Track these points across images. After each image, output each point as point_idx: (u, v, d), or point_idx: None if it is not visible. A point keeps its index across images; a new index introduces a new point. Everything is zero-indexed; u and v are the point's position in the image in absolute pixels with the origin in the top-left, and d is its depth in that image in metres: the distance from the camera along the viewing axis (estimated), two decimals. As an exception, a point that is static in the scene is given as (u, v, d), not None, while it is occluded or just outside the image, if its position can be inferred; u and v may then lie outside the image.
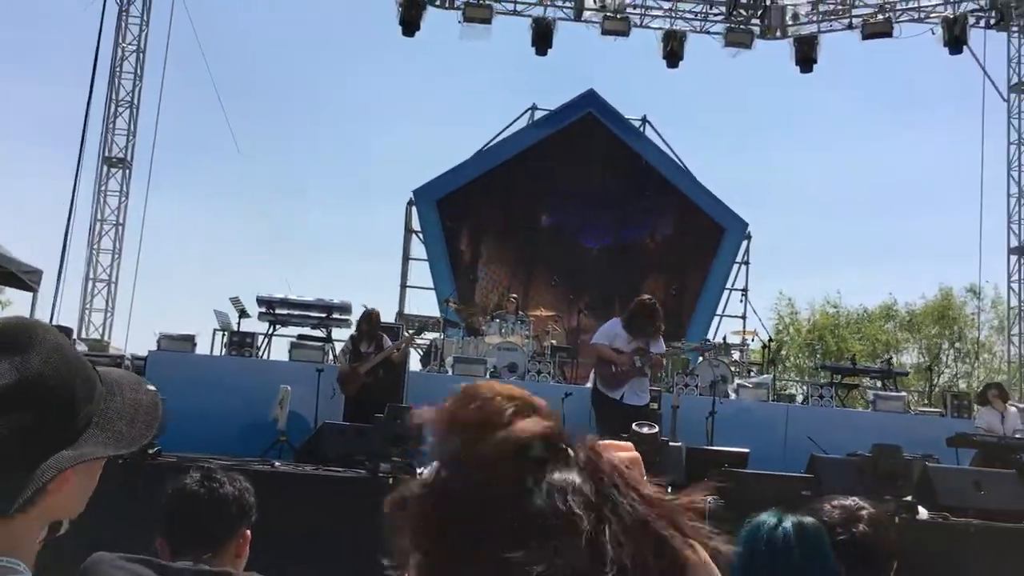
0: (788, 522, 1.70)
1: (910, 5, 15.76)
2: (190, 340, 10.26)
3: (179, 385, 8.84)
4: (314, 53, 43.72)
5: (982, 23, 15.66)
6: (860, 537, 2.19)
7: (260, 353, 10.84)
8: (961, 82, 27.21)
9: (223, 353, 10.67)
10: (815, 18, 16.11)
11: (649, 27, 16.28)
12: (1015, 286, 16.23)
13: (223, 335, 10.93)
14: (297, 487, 6.09)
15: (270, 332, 11.33)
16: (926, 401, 15.11)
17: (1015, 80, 16.30)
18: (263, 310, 11.16)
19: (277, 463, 7.04)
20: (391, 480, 6.03)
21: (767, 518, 1.72)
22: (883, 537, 2.25)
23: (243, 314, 11.18)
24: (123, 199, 15.39)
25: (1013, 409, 9.95)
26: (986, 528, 6.52)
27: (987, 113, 16.34)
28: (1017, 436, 9.57)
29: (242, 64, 39.32)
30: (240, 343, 10.44)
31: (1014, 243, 16.20)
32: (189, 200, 38.41)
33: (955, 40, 14.89)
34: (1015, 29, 16.12)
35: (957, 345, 31.76)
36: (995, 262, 16.77)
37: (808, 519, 1.75)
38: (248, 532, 2.37)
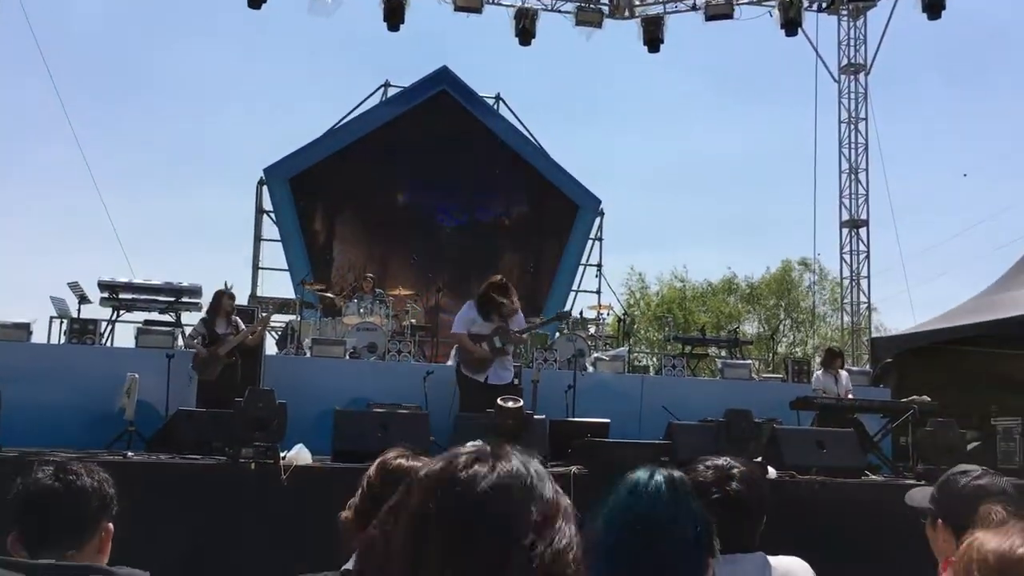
0: (659, 474, 1.78)
1: (749, -12, 16.43)
2: (25, 328, 9.65)
3: (15, 376, 8.29)
4: (151, 27, 41.59)
5: (815, 6, 16.49)
6: (733, 494, 2.27)
7: (103, 340, 10.30)
8: (797, 63, 28.65)
9: (62, 341, 10.08)
10: (661, -1, 16.57)
11: (501, 4, 16.33)
12: (847, 257, 17.28)
13: (61, 322, 10.32)
14: (154, 476, 5.83)
15: (114, 318, 10.78)
16: (768, 368, 15.88)
17: (844, 62, 17.28)
18: (105, 295, 10.61)
19: (129, 453, 6.71)
20: (253, 465, 5.87)
21: (640, 473, 1.80)
22: (755, 494, 2.35)
23: (83, 300, 10.60)
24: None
25: (845, 373, 10.61)
26: (829, 484, 6.93)
27: (820, 94, 17.28)
28: (851, 398, 10.21)
29: (72, 38, 36.97)
30: (81, 330, 9.89)
31: (845, 217, 17.23)
32: (20, 185, 36.01)
33: (791, 22, 15.63)
34: (844, 13, 17.07)
35: (794, 315, 33.61)
36: (830, 235, 17.80)
37: (676, 471, 1.84)
38: (110, 525, 2.25)
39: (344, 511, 2.28)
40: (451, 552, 0.98)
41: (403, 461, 2.28)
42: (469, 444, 1.10)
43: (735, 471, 2.38)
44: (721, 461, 2.43)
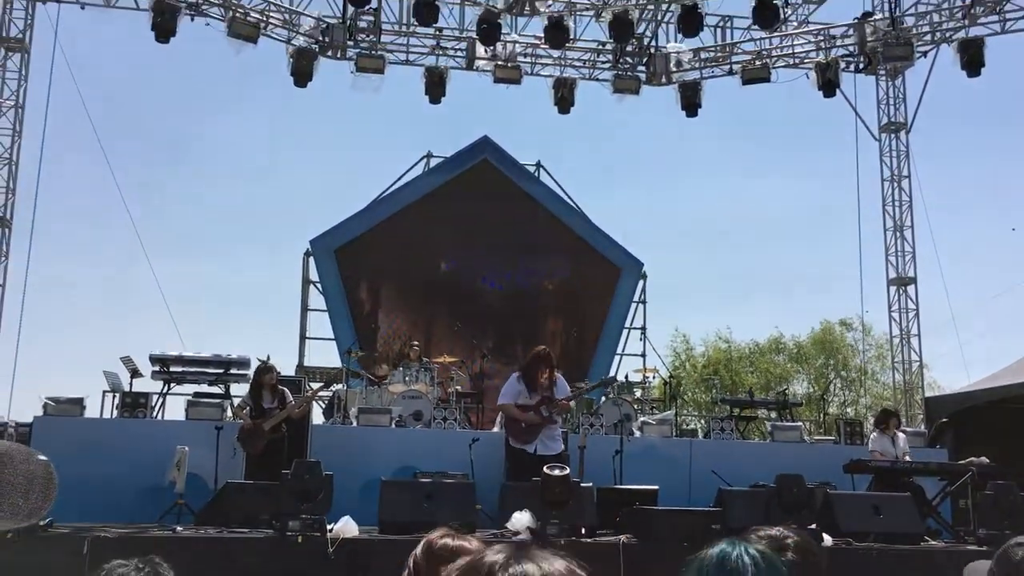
0: (744, 553, 1.70)
1: (785, 52, 16.52)
2: (78, 403, 9.83)
3: (68, 451, 8.46)
4: (202, 106, 42.97)
5: (852, 67, 16.52)
6: (788, 565, 2.23)
7: (154, 413, 10.45)
8: (836, 123, 28.67)
9: (114, 415, 10.24)
10: (697, 65, 16.70)
11: (540, 75, 16.60)
12: (895, 315, 17.01)
13: (114, 396, 10.49)
14: (203, 551, 5.86)
15: (164, 391, 10.94)
16: (820, 429, 15.59)
17: (884, 120, 17.23)
18: (156, 368, 10.78)
19: (179, 528, 6.76)
20: (300, 538, 5.87)
21: (727, 547, 1.72)
22: (811, 564, 2.30)
23: (135, 373, 10.77)
24: (2, 259, 14.69)
25: (902, 434, 10.36)
26: (886, 551, 6.75)
27: (860, 152, 17.22)
28: (908, 460, 9.96)
29: (126, 116, 38.27)
30: (133, 404, 10.05)
31: (892, 275, 17.01)
32: (72, 259, 37.00)
33: (828, 84, 15.65)
34: (882, 73, 17.07)
35: (843, 374, 33.05)
36: (877, 293, 17.55)
37: (765, 549, 1.76)
38: None
39: None
40: None
41: (449, 541, 2.27)
42: (498, 546, 1.12)
43: (789, 541, 2.34)
44: (775, 531, 2.38)
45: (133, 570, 2.17)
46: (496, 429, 10.54)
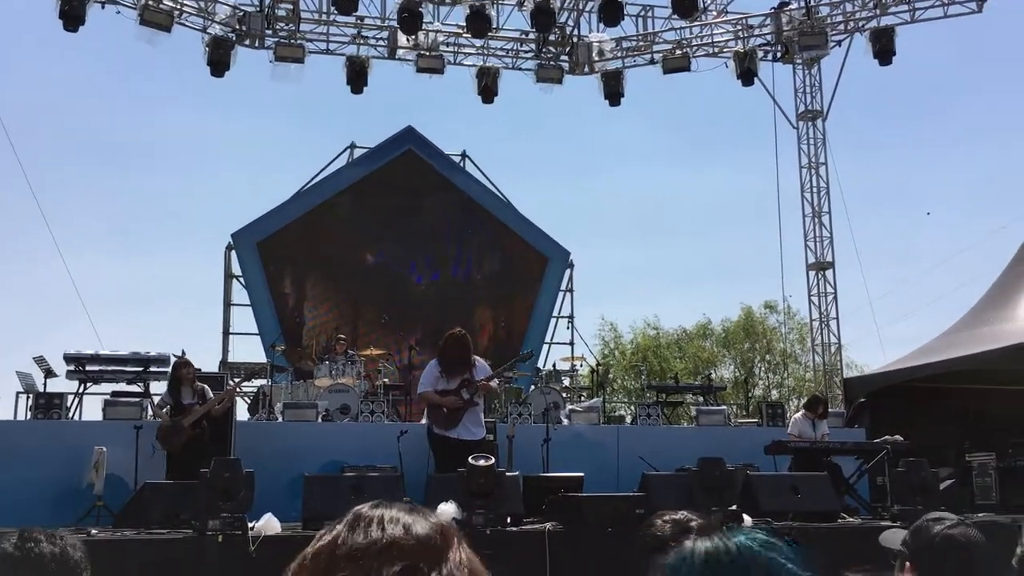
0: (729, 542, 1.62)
1: (705, 41, 16.77)
2: (-11, 405, 9.50)
3: (-21, 455, 8.17)
4: (114, 98, 41.72)
5: (770, 56, 16.86)
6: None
7: (70, 414, 10.15)
8: (756, 112, 29.21)
9: (28, 417, 9.92)
10: (619, 54, 16.85)
11: (463, 64, 16.55)
12: (815, 299, 17.44)
13: (28, 397, 10.16)
14: (118, 555, 5.71)
15: (81, 391, 10.64)
16: (744, 412, 15.94)
17: (802, 108, 17.62)
18: (72, 368, 10.48)
19: (94, 531, 6.57)
20: (220, 537, 5.76)
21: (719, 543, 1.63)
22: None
23: (49, 373, 10.45)
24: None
25: (824, 421, 10.61)
26: (803, 529, 6.91)
27: (780, 140, 17.58)
28: (825, 440, 10.23)
29: (29, 105, 36.94)
30: (47, 405, 9.76)
31: (811, 260, 17.43)
32: (-17, 255, 35.66)
33: (747, 73, 15.95)
34: (799, 62, 17.44)
35: (768, 357, 33.78)
36: (797, 278, 17.96)
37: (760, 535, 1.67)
38: None
39: None
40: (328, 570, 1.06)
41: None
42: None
43: (693, 524, 2.37)
44: (679, 515, 2.42)
45: (14, 548, 2.12)
46: (424, 421, 10.50)
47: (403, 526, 1.09)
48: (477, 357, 8.47)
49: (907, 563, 2.45)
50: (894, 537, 2.61)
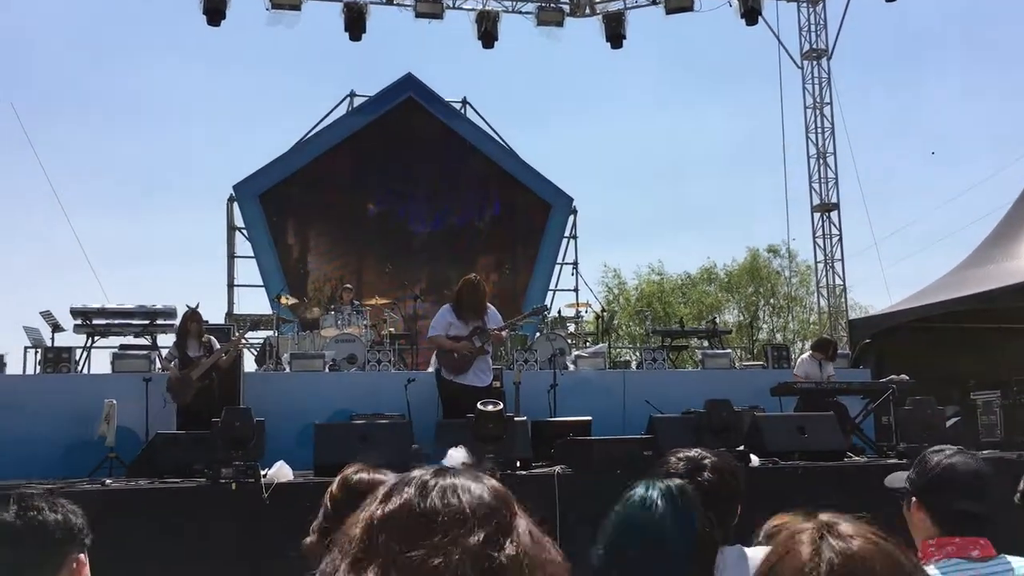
0: (655, 489, 1.75)
1: (708, -21, 16.48)
2: (-1, 360, 9.55)
3: (-9, 409, 8.23)
4: (108, 48, 41.28)
5: (774, -6, 16.60)
6: (706, 484, 2.28)
7: (79, 368, 10.21)
8: (760, 53, 28.84)
9: (37, 371, 9.98)
10: (621, -5, 16.60)
11: (462, 8, 16.31)
12: (820, 241, 17.39)
13: (36, 352, 10.21)
14: (134, 503, 5.77)
15: (89, 345, 10.68)
16: (749, 356, 15.98)
17: (806, 47, 17.40)
18: (79, 322, 10.51)
19: (108, 481, 6.64)
20: (233, 485, 5.82)
21: (638, 489, 1.76)
22: (727, 482, 2.35)
23: (57, 328, 10.49)
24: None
25: (831, 362, 10.61)
26: (810, 469, 6.97)
27: (784, 80, 17.39)
28: (831, 380, 10.25)
29: (30, 63, 36.61)
30: (56, 359, 9.80)
31: (816, 201, 17.34)
32: (-16, 211, 35.60)
33: (751, 12, 15.71)
34: (803, -1, 17.18)
35: (772, 301, 33.80)
36: (802, 220, 17.89)
37: (675, 482, 1.80)
38: (82, 557, 2.21)
39: (308, 536, 2.25)
40: (398, 552, 1.02)
41: (364, 475, 2.26)
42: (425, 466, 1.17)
43: (707, 461, 2.39)
44: (693, 452, 2.43)
45: (15, 517, 2.11)
46: (431, 369, 10.54)
47: (474, 494, 1.08)
48: (489, 305, 8.46)
49: (912, 499, 2.46)
50: (899, 478, 2.62)
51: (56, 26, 37.00)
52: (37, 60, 36.94)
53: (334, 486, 2.28)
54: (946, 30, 44.46)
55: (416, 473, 1.13)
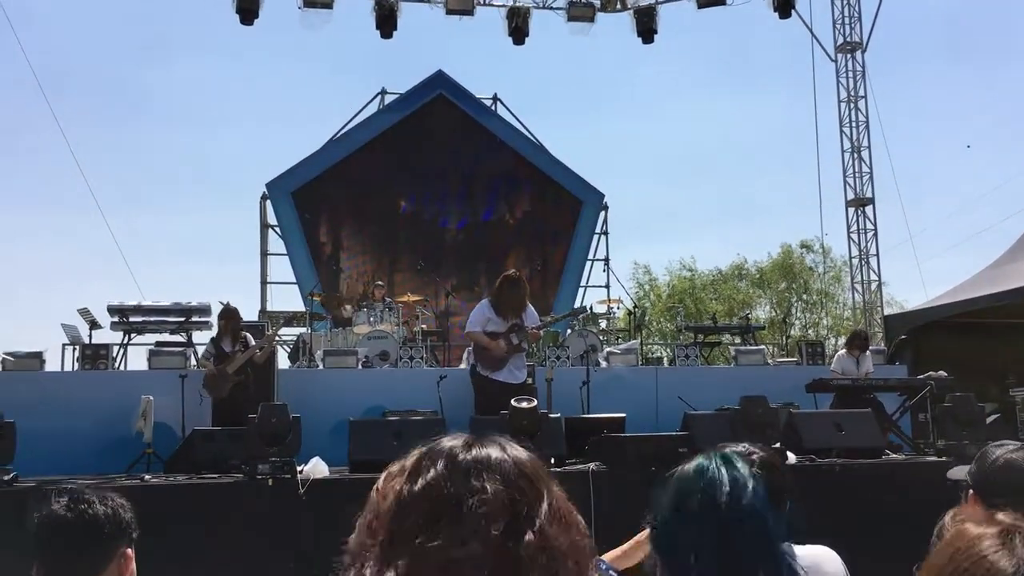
0: (725, 461, 1.69)
1: (739, -28, 16.34)
2: (38, 357, 9.68)
3: (31, 406, 8.34)
4: (144, 47, 41.76)
5: (807, -14, 16.42)
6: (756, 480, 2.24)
7: (116, 364, 10.33)
8: (793, 46, 28.57)
9: (76, 368, 10.11)
10: (652, -11, 16.50)
11: (492, 4, 16.29)
12: (854, 236, 17.20)
13: (74, 349, 10.35)
14: (172, 499, 5.83)
15: (125, 342, 10.80)
16: (783, 352, 15.84)
17: (840, 40, 17.20)
18: (115, 319, 10.63)
19: (147, 476, 6.72)
20: (270, 481, 5.86)
21: (703, 461, 1.71)
22: (776, 478, 2.33)
23: (94, 325, 10.61)
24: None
25: (868, 355, 10.51)
26: (848, 466, 6.89)
27: (818, 74, 17.21)
28: (867, 376, 10.14)
29: (63, 61, 37.11)
30: (93, 356, 9.92)
31: (850, 196, 17.15)
32: (23, 212, 36.17)
33: (784, 4, 15.54)
34: (837, -9, 16.98)
35: (804, 297, 33.51)
36: (836, 215, 17.71)
37: (739, 460, 1.75)
38: (130, 551, 2.24)
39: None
40: (428, 524, 1.02)
41: None
42: (454, 433, 1.15)
43: (755, 457, 2.36)
44: (740, 448, 2.41)
45: (66, 509, 2.13)
46: (463, 366, 10.55)
47: (503, 472, 1.07)
48: (528, 304, 8.45)
49: (970, 492, 2.43)
50: (961, 470, 2.60)
51: (93, 25, 37.48)
52: (74, 58, 37.46)
53: (380, 482, 2.27)
54: (983, 21, 43.78)
55: (446, 444, 1.12)
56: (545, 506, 1.06)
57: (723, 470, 1.67)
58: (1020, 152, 40.44)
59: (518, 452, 1.11)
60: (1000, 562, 1.18)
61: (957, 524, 1.35)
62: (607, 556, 2.58)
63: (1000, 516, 1.26)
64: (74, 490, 2.25)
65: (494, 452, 1.09)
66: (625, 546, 2.55)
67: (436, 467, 1.08)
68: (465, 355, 10.24)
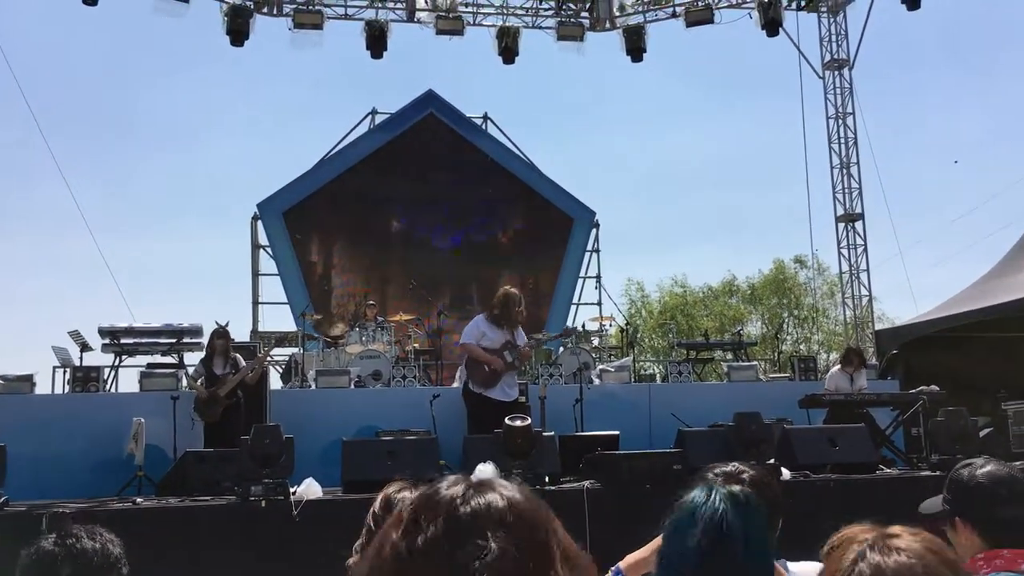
0: (719, 495, 1.67)
1: (726, -9, 16.47)
2: (28, 380, 9.63)
3: (21, 429, 8.30)
4: (133, 68, 41.78)
5: (794, 5, 16.55)
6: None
7: (107, 387, 10.28)
8: (781, 63, 28.76)
9: (66, 391, 10.06)
10: (640, 8, 16.61)
11: (482, 24, 16.37)
12: (844, 251, 17.26)
13: (65, 372, 10.29)
14: (164, 522, 5.79)
15: (116, 364, 10.75)
16: (775, 368, 15.86)
17: (827, 58, 17.32)
18: (106, 341, 10.59)
19: (139, 499, 6.67)
20: (263, 503, 5.83)
21: (697, 493, 1.69)
22: (767, 496, 2.32)
23: (85, 347, 10.57)
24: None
25: (863, 370, 10.50)
26: (842, 481, 6.89)
27: (805, 91, 17.31)
28: (860, 392, 10.15)
29: (54, 82, 37.09)
30: (84, 378, 9.87)
31: (840, 211, 17.22)
32: (11, 235, 36.06)
33: (771, 23, 15.65)
34: (824, 9, 17.12)
35: (796, 312, 33.58)
36: (826, 230, 17.78)
37: (737, 488, 1.73)
38: None
39: (351, 556, 2.24)
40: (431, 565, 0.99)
41: (407, 494, 2.25)
42: (452, 478, 1.11)
43: (745, 476, 2.36)
44: (730, 467, 2.40)
45: (54, 544, 2.12)
46: (456, 384, 10.53)
47: (504, 525, 1.02)
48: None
49: (955, 519, 2.38)
50: (934, 503, 2.53)
51: (81, 46, 37.52)
52: (62, 79, 37.45)
53: (376, 505, 2.26)
54: (968, 37, 44.19)
55: (445, 493, 1.06)
56: (556, 554, 1.03)
57: (718, 504, 1.66)
58: (1007, 167, 40.74)
59: (517, 497, 1.06)
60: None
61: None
62: (628, 559, 2.57)
63: (888, 529, 1.29)
64: (62, 525, 2.24)
65: (494, 500, 1.04)
66: (644, 552, 2.54)
67: (436, 524, 1.02)
68: (458, 374, 10.22)
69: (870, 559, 1.21)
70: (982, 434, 9.02)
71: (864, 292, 17.27)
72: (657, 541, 2.24)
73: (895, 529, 1.27)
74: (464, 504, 1.04)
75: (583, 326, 14.52)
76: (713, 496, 1.66)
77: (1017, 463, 7.97)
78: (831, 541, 1.50)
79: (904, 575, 1.18)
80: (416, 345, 12.62)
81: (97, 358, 10.60)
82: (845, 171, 17.17)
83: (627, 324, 15.15)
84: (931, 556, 1.24)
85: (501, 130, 17.56)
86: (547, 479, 6.67)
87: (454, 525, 1.01)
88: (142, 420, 8.58)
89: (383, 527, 1.08)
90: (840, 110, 17.27)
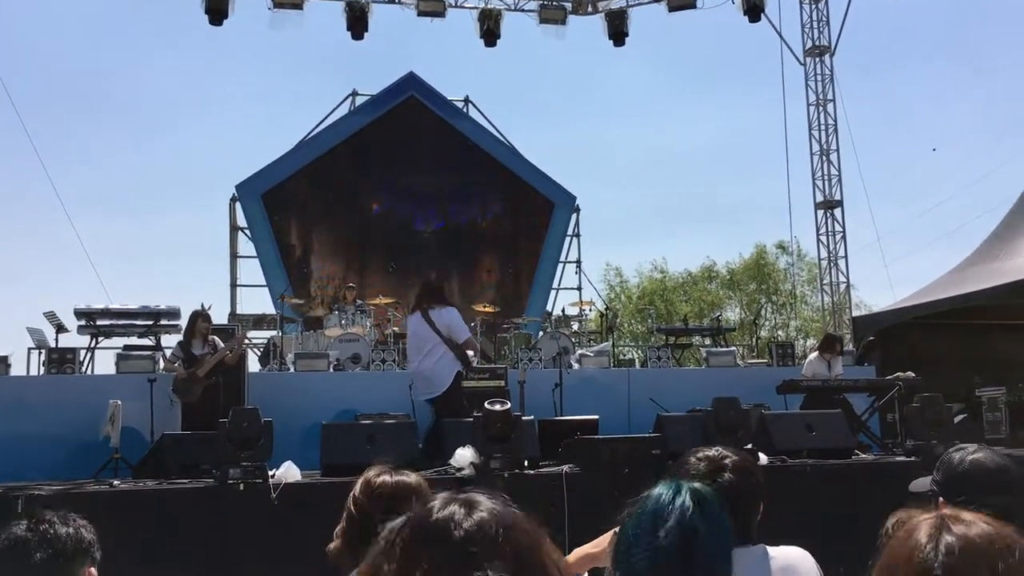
0: (684, 494, 1.64)
1: (710, -24, 16.44)
2: (3, 361, 9.57)
3: (-4, 411, 8.22)
4: (112, 48, 41.27)
5: (776, -9, 16.53)
6: (727, 485, 2.25)
7: (83, 369, 10.19)
8: (763, 48, 28.80)
9: (41, 372, 9.97)
10: (623, -8, 16.56)
11: (464, 7, 16.27)
12: (823, 238, 17.35)
13: (40, 353, 10.19)
14: (141, 505, 5.76)
15: (92, 345, 10.66)
16: (753, 354, 15.94)
17: (809, 44, 17.35)
18: (83, 323, 10.49)
19: (116, 482, 6.63)
20: (242, 486, 5.80)
21: (663, 490, 1.67)
22: (748, 482, 2.33)
23: (60, 329, 10.46)
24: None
25: (839, 357, 10.56)
26: (819, 466, 6.95)
27: (787, 77, 17.35)
28: (836, 378, 10.22)
29: (31, 63, 36.59)
30: (60, 360, 9.79)
31: (819, 198, 17.30)
32: (-14, 213, 35.58)
33: (753, 8, 15.66)
34: (806, -4, 17.13)
35: (774, 298, 33.77)
36: (806, 217, 17.87)
37: (697, 485, 1.71)
38: (93, 571, 2.21)
39: (332, 542, 2.23)
40: None
41: (387, 478, 2.24)
42: (441, 497, 1.08)
43: (727, 461, 2.36)
44: (712, 452, 2.41)
45: (27, 530, 2.10)
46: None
47: (496, 551, 1.00)
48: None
49: (940, 500, 2.40)
50: (923, 482, 2.57)
51: (57, 25, 37.00)
52: (39, 59, 36.95)
53: (357, 489, 2.25)
54: (949, 24, 44.41)
55: (440, 516, 1.03)
56: (552, 571, 1.02)
57: (678, 501, 1.63)
58: (985, 155, 41.05)
59: (505, 513, 1.05)
60: (927, 547, 1.25)
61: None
62: (576, 552, 2.57)
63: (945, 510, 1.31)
64: (35, 510, 2.22)
65: (486, 517, 1.03)
66: (593, 547, 2.53)
67: (433, 554, 1.00)
68: (459, 356, 10.23)
69: (955, 530, 1.23)
70: (956, 420, 9.12)
71: (842, 279, 17.39)
72: (608, 536, 2.25)
73: (949, 510, 1.31)
74: (456, 528, 1.01)
75: (563, 311, 14.55)
76: (682, 494, 1.64)
77: (998, 447, 8.07)
78: (884, 530, 1.51)
79: (995, 541, 1.20)
80: (396, 328, 12.59)
81: (73, 340, 10.51)
82: (825, 158, 17.24)
83: (607, 309, 15.16)
84: (1003, 528, 1.27)
85: (482, 113, 17.52)
86: (526, 463, 6.69)
87: (449, 555, 0.99)
88: (119, 402, 8.51)
89: (374, 557, 1.05)
90: (821, 97, 17.32)
